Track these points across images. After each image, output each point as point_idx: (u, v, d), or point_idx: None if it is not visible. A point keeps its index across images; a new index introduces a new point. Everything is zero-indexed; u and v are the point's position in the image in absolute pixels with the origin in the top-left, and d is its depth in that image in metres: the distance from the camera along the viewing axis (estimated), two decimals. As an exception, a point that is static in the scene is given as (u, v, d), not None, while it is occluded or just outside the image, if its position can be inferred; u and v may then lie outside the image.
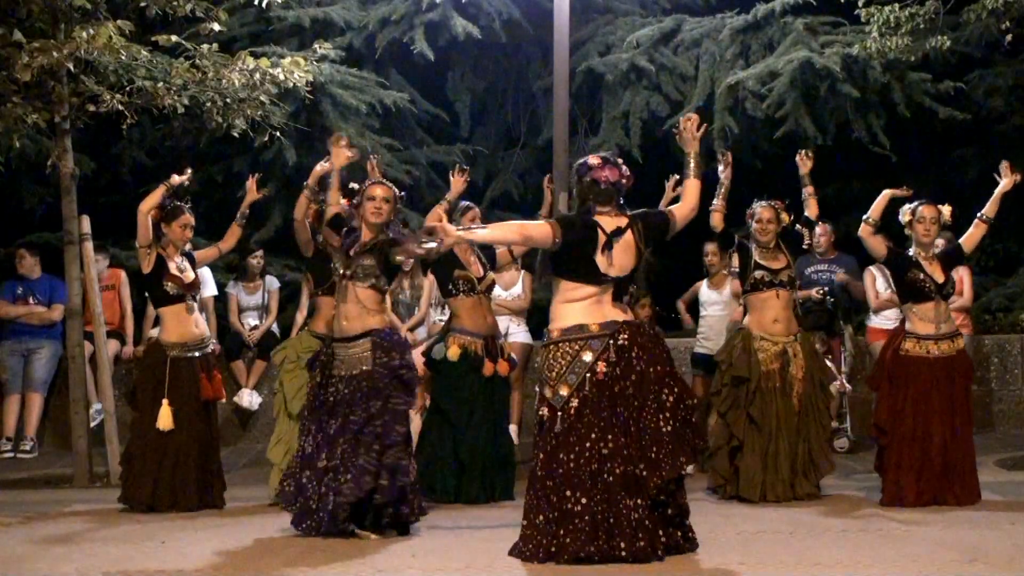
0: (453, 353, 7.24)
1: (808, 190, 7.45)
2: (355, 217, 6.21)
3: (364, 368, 5.98)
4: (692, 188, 5.57)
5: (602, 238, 5.29)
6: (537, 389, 5.42)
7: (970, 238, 7.11)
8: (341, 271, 6.13)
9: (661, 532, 5.22)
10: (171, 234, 7.06)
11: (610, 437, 5.16)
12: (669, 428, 5.21)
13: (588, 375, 5.20)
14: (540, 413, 5.32)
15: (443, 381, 7.32)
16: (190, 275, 7.11)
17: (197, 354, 7.10)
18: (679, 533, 5.34)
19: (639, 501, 5.13)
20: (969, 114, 10.96)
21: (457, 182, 7.36)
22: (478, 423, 7.24)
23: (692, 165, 5.58)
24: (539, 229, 5.31)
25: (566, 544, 5.13)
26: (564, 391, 5.22)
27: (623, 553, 5.08)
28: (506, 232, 5.55)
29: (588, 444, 5.16)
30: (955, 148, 11.95)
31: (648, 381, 5.23)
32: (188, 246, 7.31)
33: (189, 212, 7.13)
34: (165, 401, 6.93)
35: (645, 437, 5.19)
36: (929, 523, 6.18)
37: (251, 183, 7.50)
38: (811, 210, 7.46)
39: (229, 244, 7.48)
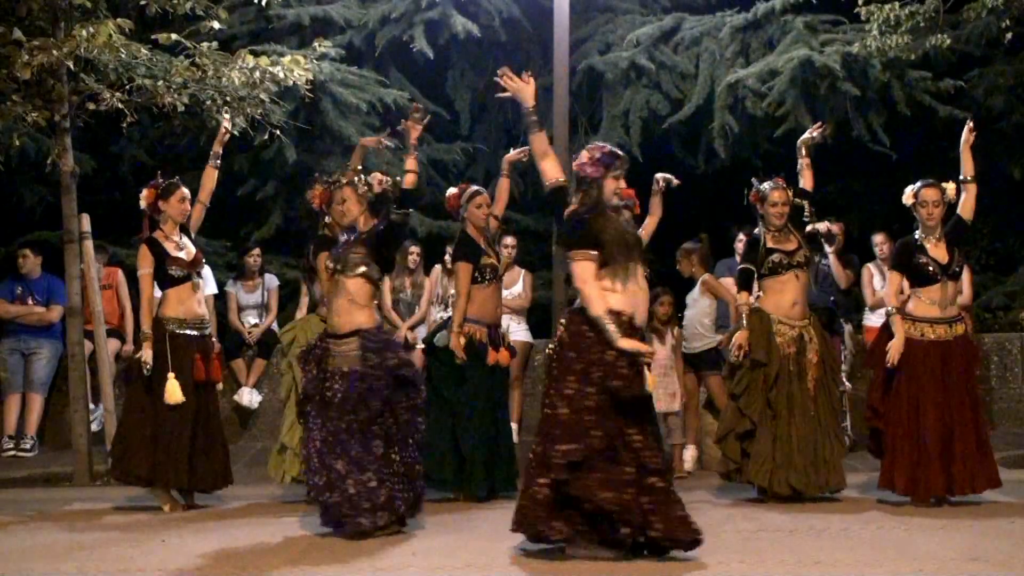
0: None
1: (804, 161, 7.31)
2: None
3: (355, 368, 5.93)
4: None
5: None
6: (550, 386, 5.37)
7: (965, 205, 6.96)
8: (331, 266, 6.11)
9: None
10: (170, 209, 7.05)
11: None
12: None
13: None
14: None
15: (443, 369, 7.30)
16: (191, 250, 7.10)
17: (195, 333, 7.05)
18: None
19: None
20: (969, 112, 10.92)
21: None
22: (479, 413, 7.23)
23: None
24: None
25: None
26: None
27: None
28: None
29: None
30: (955, 146, 11.87)
31: None
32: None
33: (184, 186, 7.12)
34: (171, 375, 6.83)
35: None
36: (929, 522, 6.18)
37: (225, 122, 7.40)
38: (807, 182, 7.32)
39: (207, 190, 7.27)
